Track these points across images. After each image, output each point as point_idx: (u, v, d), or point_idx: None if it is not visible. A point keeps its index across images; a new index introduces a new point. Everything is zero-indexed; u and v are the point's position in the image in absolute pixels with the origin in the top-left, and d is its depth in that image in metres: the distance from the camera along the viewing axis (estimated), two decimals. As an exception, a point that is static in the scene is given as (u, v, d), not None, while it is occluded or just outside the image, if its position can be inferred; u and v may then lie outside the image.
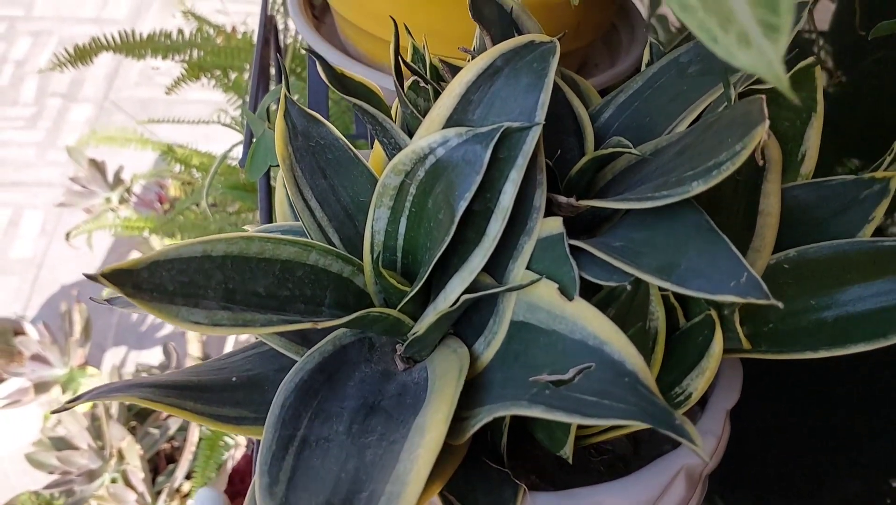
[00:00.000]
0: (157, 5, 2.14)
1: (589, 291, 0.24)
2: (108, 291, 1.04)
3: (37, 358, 1.03)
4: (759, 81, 0.26)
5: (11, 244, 1.56)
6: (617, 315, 0.24)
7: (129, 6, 2.16)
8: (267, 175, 0.44)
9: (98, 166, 1.12)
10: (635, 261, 0.22)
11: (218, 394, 0.25)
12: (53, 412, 0.24)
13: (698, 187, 0.21)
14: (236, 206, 1.01)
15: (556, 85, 0.29)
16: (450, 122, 0.25)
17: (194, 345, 1.09)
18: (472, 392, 0.24)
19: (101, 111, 1.86)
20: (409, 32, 0.29)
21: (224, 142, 0.90)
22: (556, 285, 0.23)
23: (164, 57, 0.78)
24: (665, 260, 0.22)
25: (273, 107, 0.41)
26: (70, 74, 0.76)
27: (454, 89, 0.24)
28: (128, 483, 0.88)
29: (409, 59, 0.29)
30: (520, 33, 0.28)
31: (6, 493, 1.12)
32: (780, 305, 0.19)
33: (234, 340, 1.14)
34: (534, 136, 0.23)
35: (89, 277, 0.19)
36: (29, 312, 1.42)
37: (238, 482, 0.61)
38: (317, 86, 0.54)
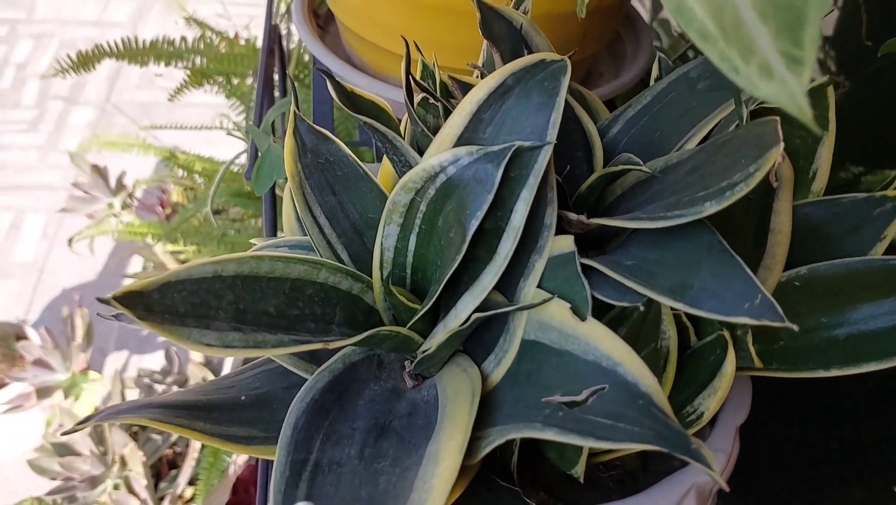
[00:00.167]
0: (159, 8, 2.14)
1: (599, 310, 0.24)
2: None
3: (39, 363, 1.03)
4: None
5: (13, 248, 1.56)
6: (628, 334, 0.24)
7: (131, 9, 2.16)
8: (272, 185, 0.44)
9: (100, 172, 1.12)
10: (648, 281, 0.22)
11: (227, 413, 0.25)
12: (63, 434, 0.24)
13: (711, 208, 0.21)
14: (238, 211, 1.01)
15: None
16: (460, 141, 0.25)
17: (196, 350, 1.09)
18: (483, 411, 0.24)
19: (102, 114, 1.86)
20: (418, 48, 0.29)
21: (226, 145, 0.90)
22: (569, 305, 0.23)
23: (167, 64, 0.78)
24: (678, 280, 0.22)
25: (277, 119, 0.40)
26: (71, 78, 0.76)
27: (465, 108, 0.24)
28: (130, 489, 0.88)
29: (418, 75, 0.29)
30: (529, 49, 0.28)
31: (9, 498, 1.12)
32: (795, 328, 0.19)
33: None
34: (545, 155, 0.23)
35: (101, 300, 0.19)
36: (30, 315, 1.42)
37: (242, 491, 0.61)
38: (321, 94, 0.54)
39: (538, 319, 0.24)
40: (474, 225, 0.23)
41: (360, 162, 0.27)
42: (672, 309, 0.24)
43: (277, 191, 0.47)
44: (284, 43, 0.76)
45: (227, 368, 1.07)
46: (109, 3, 2.19)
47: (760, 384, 0.31)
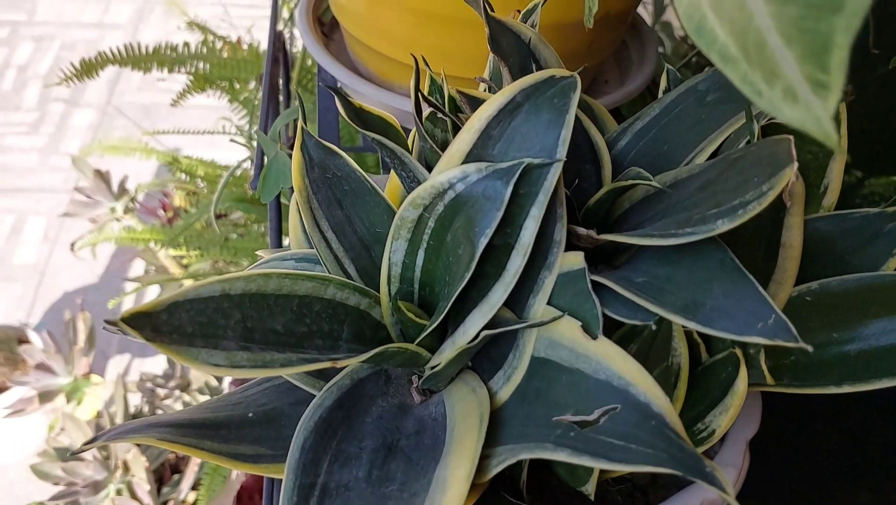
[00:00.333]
0: (160, 10, 2.14)
1: (609, 326, 0.24)
2: (113, 303, 1.04)
3: (41, 367, 1.03)
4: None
5: (15, 250, 1.56)
6: (639, 352, 0.24)
7: (132, 11, 2.16)
8: (277, 194, 0.44)
9: (103, 176, 1.12)
10: (659, 299, 0.22)
11: (235, 431, 0.24)
12: (72, 455, 0.24)
13: (723, 226, 0.21)
14: (240, 216, 1.01)
15: (573, 113, 0.29)
16: (469, 158, 0.24)
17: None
18: (492, 428, 0.24)
19: (103, 116, 1.86)
20: (425, 60, 0.29)
21: (228, 148, 0.90)
22: (579, 323, 0.23)
23: (171, 70, 0.78)
24: (689, 298, 0.22)
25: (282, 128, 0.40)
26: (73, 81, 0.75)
27: (474, 124, 0.24)
28: (133, 494, 0.88)
29: (426, 89, 0.29)
30: (537, 63, 0.28)
31: (11, 502, 1.12)
32: (810, 348, 0.19)
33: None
34: (555, 172, 0.23)
35: (110, 323, 0.19)
36: (32, 319, 1.42)
37: (247, 499, 0.61)
38: (326, 100, 0.54)
39: (548, 336, 0.23)
40: (483, 242, 0.23)
41: (367, 176, 0.27)
42: (683, 326, 0.24)
43: (283, 199, 0.47)
44: (288, 46, 0.76)
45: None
46: (110, 5, 2.19)
47: (769, 394, 0.31)
